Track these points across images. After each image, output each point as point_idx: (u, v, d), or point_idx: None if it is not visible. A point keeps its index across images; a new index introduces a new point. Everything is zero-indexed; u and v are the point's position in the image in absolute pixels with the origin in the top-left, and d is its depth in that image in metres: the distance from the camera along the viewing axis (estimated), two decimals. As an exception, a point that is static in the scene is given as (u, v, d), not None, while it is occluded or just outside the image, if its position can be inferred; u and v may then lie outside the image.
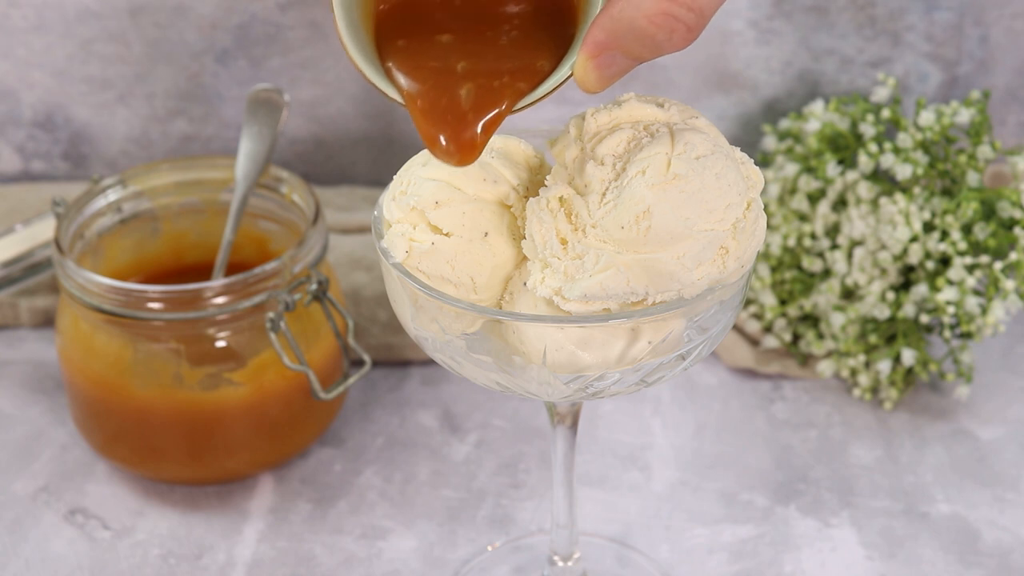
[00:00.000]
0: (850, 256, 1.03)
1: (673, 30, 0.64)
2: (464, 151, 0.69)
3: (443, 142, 0.69)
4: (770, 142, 1.12)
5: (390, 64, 0.70)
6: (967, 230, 0.99)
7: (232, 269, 0.99)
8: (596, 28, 0.66)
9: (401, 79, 0.70)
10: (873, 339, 1.02)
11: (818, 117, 1.07)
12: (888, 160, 1.01)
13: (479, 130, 0.69)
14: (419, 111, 0.69)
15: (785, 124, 1.12)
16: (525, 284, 0.72)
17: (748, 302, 1.07)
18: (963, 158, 1.01)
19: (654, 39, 0.65)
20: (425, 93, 0.69)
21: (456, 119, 0.69)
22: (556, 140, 0.75)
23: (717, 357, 1.07)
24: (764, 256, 1.06)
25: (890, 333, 1.02)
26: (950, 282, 0.98)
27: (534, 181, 0.75)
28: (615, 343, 0.70)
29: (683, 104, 0.75)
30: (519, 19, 0.72)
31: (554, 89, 0.69)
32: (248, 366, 0.93)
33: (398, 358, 1.07)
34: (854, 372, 1.03)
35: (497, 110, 0.69)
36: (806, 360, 1.06)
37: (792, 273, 1.06)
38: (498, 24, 0.71)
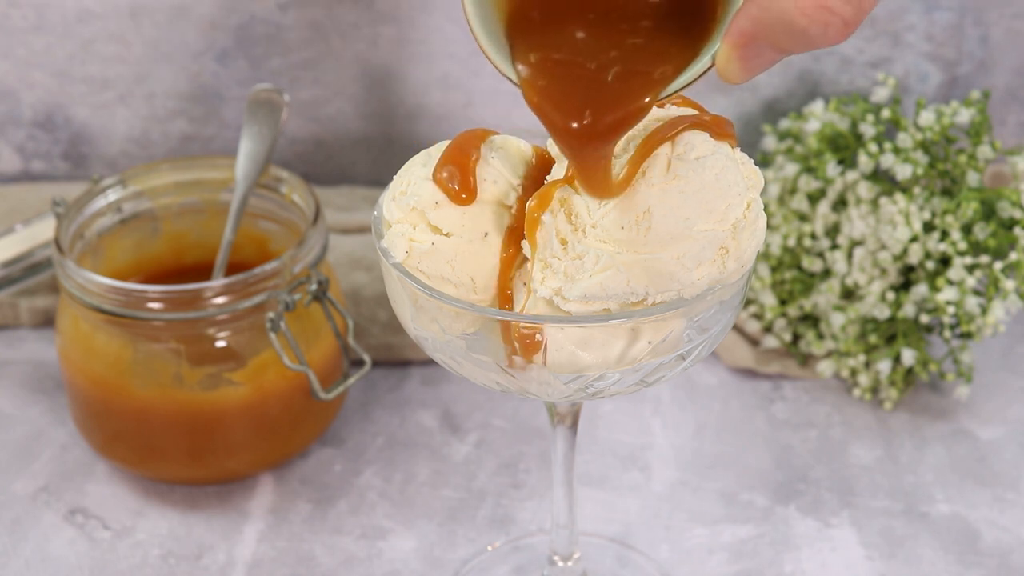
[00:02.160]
0: (850, 256, 1.03)
1: (828, 24, 0.59)
2: (594, 140, 0.67)
3: (574, 127, 0.67)
4: (770, 142, 1.12)
5: (517, 48, 0.68)
6: (967, 230, 0.99)
7: (232, 269, 0.99)
8: (743, 17, 0.61)
9: (526, 69, 0.68)
10: (873, 339, 1.02)
11: (818, 117, 1.07)
12: (888, 160, 1.01)
13: (614, 123, 0.67)
14: (547, 101, 0.67)
15: (785, 124, 1.12)
16: (525, 284, 0.72)
17: (748, 302, 1.07)
18: (963, 158, 1.01)
19: (806, 32, 0.59)
20: (553, 86, 0.67)
21: (590, 113, 0.67)
22: (556, 140, 0.75)
23: (717, 357, 1.07)
24: (764, 256, 1.06)
25: (890, 333, 1.02)
26: (950, 282, 0.98)
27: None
28: (615, 343, 0.70)
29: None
30: (654, 8, 0.68)
31: (694, 80, 0.66)
32: (248, 366, 0.93)
33: (398, 358, 1.07)
34: (854, 372, 1.03)
35: (634, 104, 0.66)
36: (806, 360, 1.06)
37: (792, 273, 1.06)
38: (632, 14, 0.68)
